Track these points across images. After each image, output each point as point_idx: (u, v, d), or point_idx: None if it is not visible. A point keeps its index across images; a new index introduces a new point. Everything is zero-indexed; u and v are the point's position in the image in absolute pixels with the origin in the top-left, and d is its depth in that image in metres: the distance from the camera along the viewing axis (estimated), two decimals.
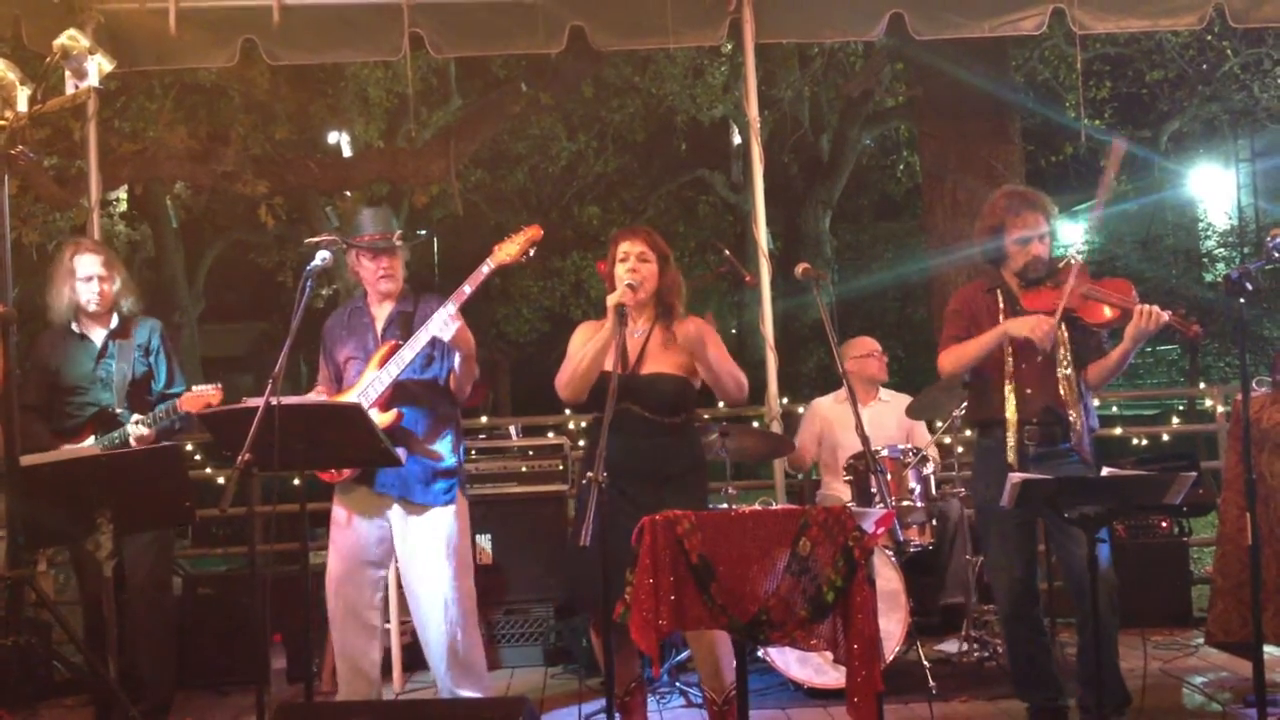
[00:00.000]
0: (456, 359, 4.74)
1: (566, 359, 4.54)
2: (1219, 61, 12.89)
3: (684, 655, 5.65)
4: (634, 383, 4.36)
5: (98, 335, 5.23)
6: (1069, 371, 4.62)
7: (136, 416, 5.07)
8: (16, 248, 8.13)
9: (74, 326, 5.23)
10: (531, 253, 4.71)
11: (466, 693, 4.76)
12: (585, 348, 4.44)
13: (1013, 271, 4.78)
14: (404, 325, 4.81)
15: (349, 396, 4.63)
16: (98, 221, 6.52)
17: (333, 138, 12.74)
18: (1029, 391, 4.65)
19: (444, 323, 4.56)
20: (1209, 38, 12.02)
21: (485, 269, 4.68)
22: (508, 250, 4.71)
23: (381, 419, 4.63)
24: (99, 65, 4.24)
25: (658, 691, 5.51)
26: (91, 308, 5.19)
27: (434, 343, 4.66)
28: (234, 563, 7.68)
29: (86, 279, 5.17)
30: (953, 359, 4.82)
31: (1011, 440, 4.62)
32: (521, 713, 3.78)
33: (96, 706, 5.05)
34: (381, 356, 4.72)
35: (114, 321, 5.26)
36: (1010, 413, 4.65)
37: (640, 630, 3.70)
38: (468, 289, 4.66)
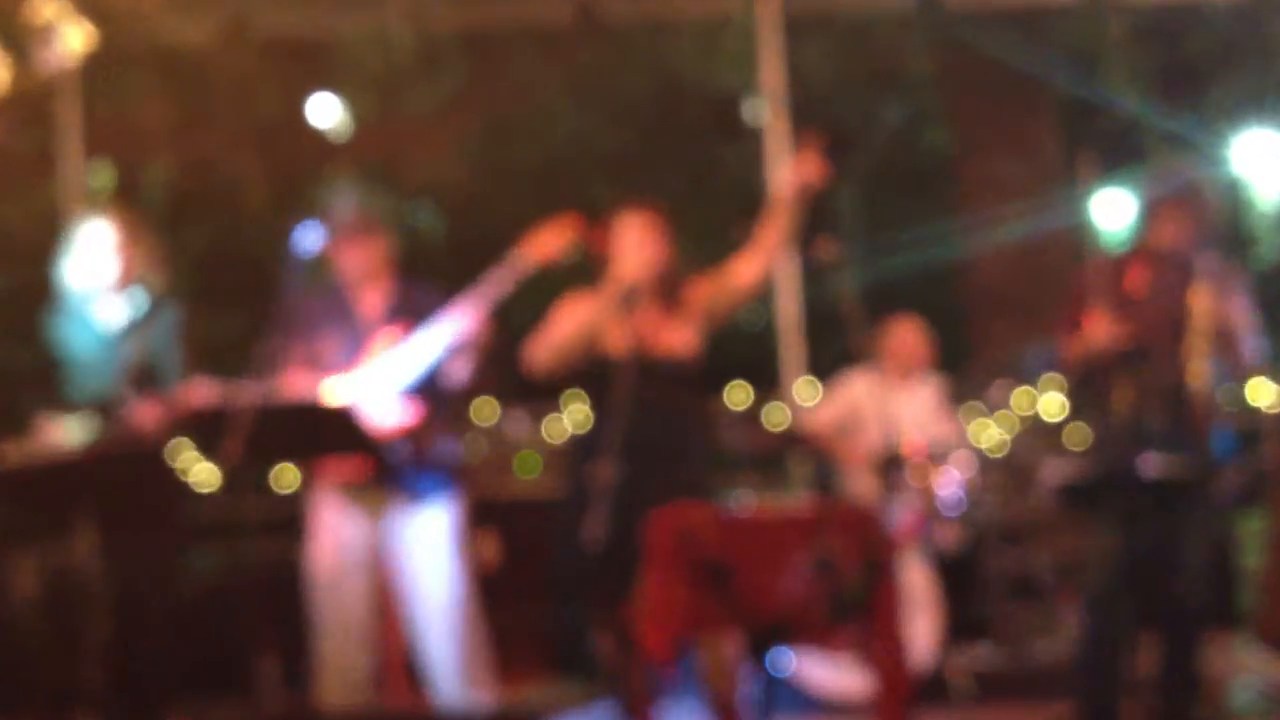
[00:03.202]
0: (466, 353, 4.76)
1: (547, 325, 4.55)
2: (1265, 31, 12.78)
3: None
4: (646, 362, 4.36)
5: (110, 313, 5.08)
6: (1201, 352, 4.66)
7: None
8: None
9: (87, 301, 5.09)
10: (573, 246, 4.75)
11: (471, 699, 4.75)
12: (574, 316, 4.43)
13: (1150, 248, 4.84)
14: (403, 311, 4.80)
15: (346, 388, 4.62)
16: (77, 201, 6.52)
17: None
18: (1152, 369, 4.72)
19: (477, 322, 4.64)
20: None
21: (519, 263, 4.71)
22: (545, 243, 4.75)
23: (395, 415, 4.66)
24: (78, 40, 4.23)
25: (669, 696, 5.50)
26: (108, 282, 5.04)
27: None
28: (224, 561, 7.69)
29: (104, 251, 5.02)
30: (1068, 354, 4.97)
31: (1122, 424, 4.69)
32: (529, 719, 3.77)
33: (81, 711, 5.06)
34: (386, 349, 4.72)
35: (133, 300, 5.10)
36: (1122, 397, 4.71)
37: (651, 633, 3.70)
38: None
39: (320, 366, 4.81)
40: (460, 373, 4.79)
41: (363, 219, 4.79)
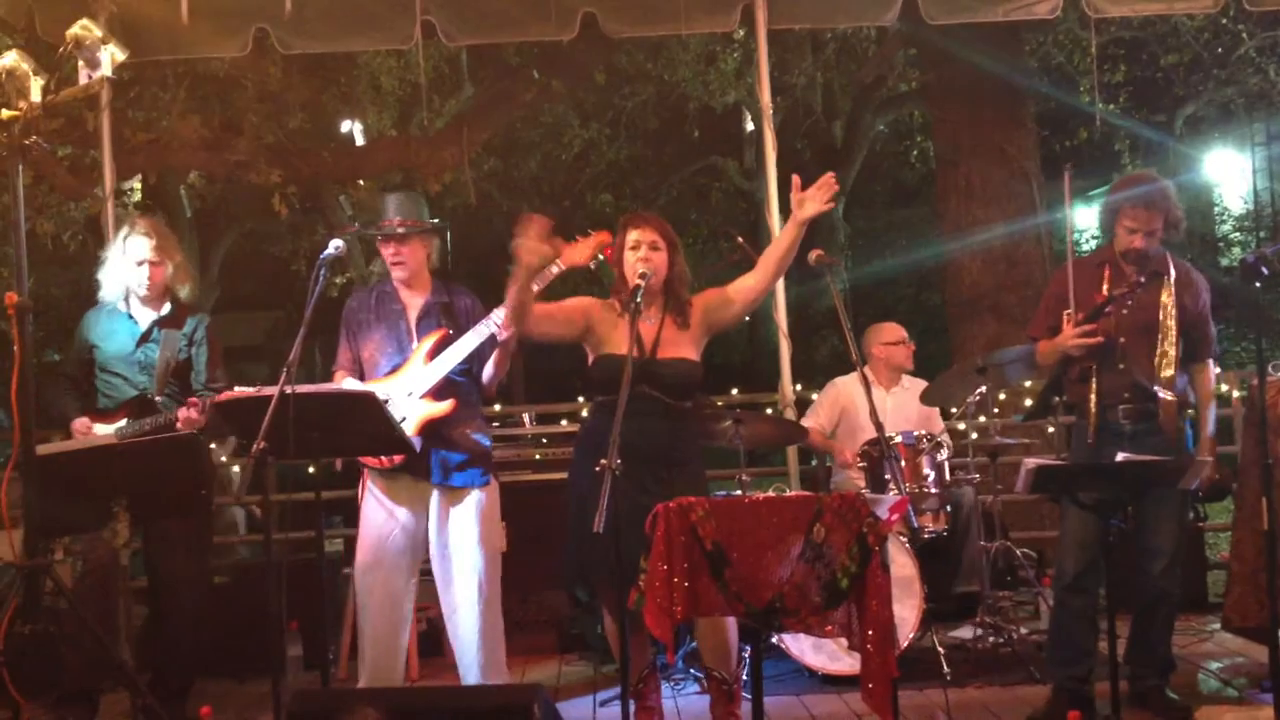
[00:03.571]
0: (496, 353, 4.77)
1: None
2: (1234, 45, 12.78)
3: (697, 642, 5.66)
4: (651, 366, 4.38)
5: (145, 318, 5.14)
6: (1170, 350, 4.68)
7: (193, 401, 5.00)
8: (31, 238, 8.14)
9: (121, 306, 5.15)
10: (600, 257, 4.74)
11: (490, 678, 4.77)
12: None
13: (1116, 251, 4.83)
14: (445, 316, 4.85)
15: (391, 385, 4.67)
16: (112, 211, 6.53)
17: (345, 127, 12.73)
18: (1121, 368, 4.73)
19: (503, 324, 4.62)
20: (1224, 21, 11.91)
21: (554, 270, 4.71)
22: (577, 253, 4.74)
23: (437, 408, 4.70)
24: (112, 55, 4.24)
25: (672, 678, 5.51)
26: (141, 291, 5.11)
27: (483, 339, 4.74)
28: (250, 551, 7.71)
29: (137, 263, 5.08)
30: (1043, 355, 4.99)
31: (1092, 422, 4.72)
32: (536, 700, 3.78)
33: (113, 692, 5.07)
34: (430, 349, 4.75)
35: (165, 308, 5.17)
36: (1093, 396, 4.74)
37: (655, 617, 3.71)
38: (535, 288, 4.69)
39: (366, 366, 4.85)
40: (492, 367, 4.83)
41: (412, 224, 4.82)
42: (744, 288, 4.59)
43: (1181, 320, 4.73)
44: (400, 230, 4.81)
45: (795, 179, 4.39)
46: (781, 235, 4.55)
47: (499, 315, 4.67)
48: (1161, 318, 4.70)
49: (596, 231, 4.83)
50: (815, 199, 4.35)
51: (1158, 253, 4.77)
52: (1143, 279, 4.68)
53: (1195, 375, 4.85)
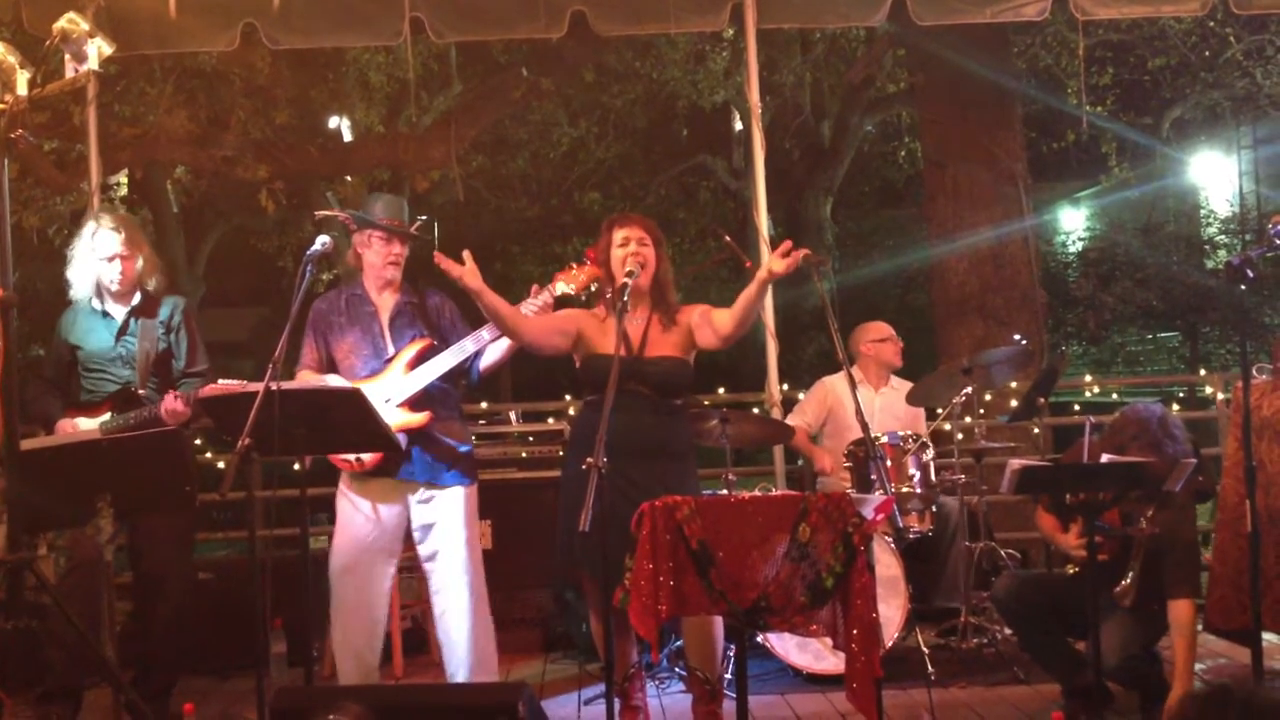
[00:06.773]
0: (499, 351, 4.83)
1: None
2: (1221, 48, 12.80)
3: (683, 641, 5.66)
4: (639, 365, 4.41)
5: (119, 313, 5.11)
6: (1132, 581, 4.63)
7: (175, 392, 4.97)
8: (16, 232, 8.11)
9: (95, 304, 5.12)
10: (593, 288, 4.74)
11: (478, 676, 4.77)
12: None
13: None
14: (418, 315, 4.87)
15: (368, 390, 4.63)
16: (98, 206, 6.50)
17: (333, 122, 12.70)
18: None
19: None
20: (1211, 24, 11.92)
21: (548, 297, 4.74)
22: (569, 281, 4.75)
23: (414, 419, 4.72)
24: (99, 49, 4.22)
25: (657, 677, 5.52)
26: (114, 287, 5.08)
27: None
28: (234, 547, 7.69)
29: (108, 258, 5.05)
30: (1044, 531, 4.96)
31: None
32: (521, 698, 3.78)
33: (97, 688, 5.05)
34: (412, 359, 4.76)
35: (136, 299, 5.14)
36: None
37: (640, 616, 3.72)
38: (535, 316, 4.70)
39: (342, 368, 4.84)
40: (479, 370, 4.88)
41: (399, 225, 4.83)
42: (720, 322, 4.54)
43: (1152, 549, 4.58)
44: (414, 231, 4.89)
45: (788, 243, 4.26)
46: (747, 289, 4.40)
47: (486, 332, 4.70)
48: (1134, 547, 4.61)
49: (593, 264, 4.81)
50: (786, 265, 4.22)
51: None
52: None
53: (1170, 610, 4.59)
